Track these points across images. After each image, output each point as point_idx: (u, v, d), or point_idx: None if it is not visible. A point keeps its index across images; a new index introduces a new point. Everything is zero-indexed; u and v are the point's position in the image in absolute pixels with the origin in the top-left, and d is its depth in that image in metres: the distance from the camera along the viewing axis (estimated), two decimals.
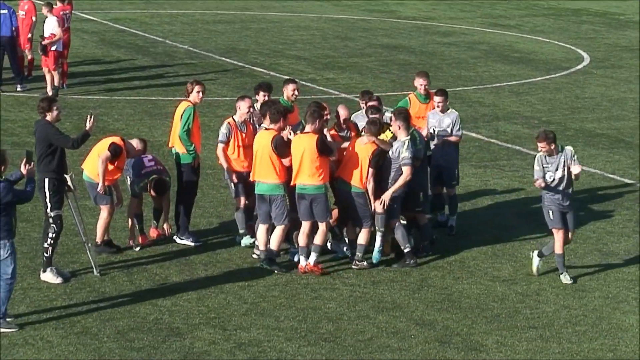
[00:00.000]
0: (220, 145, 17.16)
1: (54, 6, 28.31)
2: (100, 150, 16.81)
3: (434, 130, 18.27)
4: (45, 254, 15.89)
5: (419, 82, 18.98)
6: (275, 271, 16.32)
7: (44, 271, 15.90)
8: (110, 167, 16.71)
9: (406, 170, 16.40)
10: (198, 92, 17.55)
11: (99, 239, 16.98)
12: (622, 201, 19.84)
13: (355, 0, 48.09)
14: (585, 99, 28.72)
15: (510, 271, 16.45)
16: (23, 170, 14.29)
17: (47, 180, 15.82)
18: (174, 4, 45.95)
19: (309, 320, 14.50)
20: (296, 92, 18.35)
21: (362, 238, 16.67)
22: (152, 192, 17.45)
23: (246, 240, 17.49)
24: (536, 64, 33.39)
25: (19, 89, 27.97)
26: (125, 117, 25.60)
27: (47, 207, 15.93)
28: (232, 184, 17.30)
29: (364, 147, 16.38)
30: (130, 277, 16.02)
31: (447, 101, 18.81)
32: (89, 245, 16.36)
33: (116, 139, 17.03)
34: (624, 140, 24.38)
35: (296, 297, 15.41)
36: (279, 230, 16.28)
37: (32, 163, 14.42)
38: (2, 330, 14.11)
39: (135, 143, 17.28)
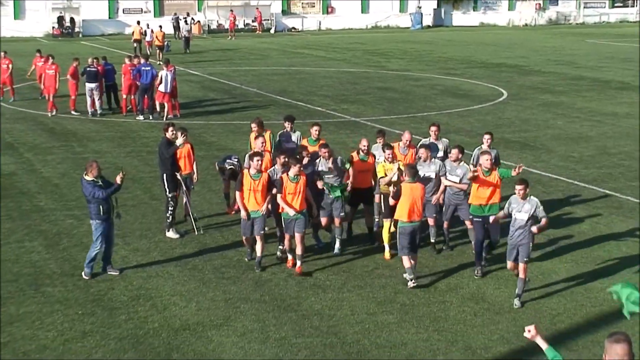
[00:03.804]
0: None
1: (168, 64, 30.14)
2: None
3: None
4: (168, 220, 16.83)
5: (484, 159, 15.14)
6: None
7: (168, 230, 16.87)
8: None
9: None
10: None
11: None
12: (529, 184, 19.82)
13: (360, 59, 50.97)
14: (504, 119, 30.50)
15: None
16: (118, 179, 14.55)
17: (165, 174, 16.76)
18: (247, 63, 48.76)
19: None
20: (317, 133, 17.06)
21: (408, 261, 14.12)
22: (226, 176, 17.95)
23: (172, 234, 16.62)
24: (473, 98, 35.30)
25: (140, 118, 29.92)
26: (217, 134, 27.39)
27: (166, 191, 16.84)
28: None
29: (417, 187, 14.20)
30: (222, 233, 17.18)
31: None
32: (195, 215, 17.19)
33: None
34: (529, 144, 25.95)
35: None
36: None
37: (121, 175, 14.58)
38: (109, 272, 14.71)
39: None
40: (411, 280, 13.90)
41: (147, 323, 12.75)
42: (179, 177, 16.81)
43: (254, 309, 13.27)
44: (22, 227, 17.60)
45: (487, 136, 16.67)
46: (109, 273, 14.75)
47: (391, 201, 14.57)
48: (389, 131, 25.95)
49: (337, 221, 15.62)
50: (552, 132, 28.11)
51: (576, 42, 62.59)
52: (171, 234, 16.85)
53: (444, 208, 15.85)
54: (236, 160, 18.02)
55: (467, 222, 15.45)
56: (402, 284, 14.30)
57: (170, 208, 16.77)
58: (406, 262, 13.91)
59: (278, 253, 15.50)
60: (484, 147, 16.44)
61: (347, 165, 15.90)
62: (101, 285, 14.29)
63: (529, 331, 7.36)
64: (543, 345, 7.26)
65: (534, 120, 30.31)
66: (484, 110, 32.55)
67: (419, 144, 16.61)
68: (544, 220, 13.19)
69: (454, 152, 15.65)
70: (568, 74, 43.53)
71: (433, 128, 17.16)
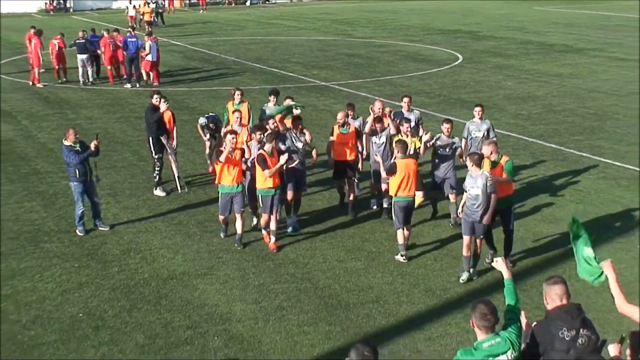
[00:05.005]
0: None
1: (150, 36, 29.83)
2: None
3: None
4: (155, 179, 16.77)
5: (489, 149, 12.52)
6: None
7: (155, 189, 16.82)
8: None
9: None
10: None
11: None
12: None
13: (329, 28, 50.44)
14: (460, 81, 30.39)
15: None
16: (92, 146, 14.22)
17: (151, 137, 16.59)
18: (225, 34, 48.03)
19: None
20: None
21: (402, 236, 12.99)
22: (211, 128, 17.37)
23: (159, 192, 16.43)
24: (432, 62, 35.16)
25: (128, 86, 29.81)
26: (199, 100, 27.14)
27: (152, 153, 16.70)
28: None
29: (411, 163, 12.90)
30: (205, 191, 16.97)
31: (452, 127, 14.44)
32: (179, 174, 17.03)
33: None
34: (483, 104, 23.56)
35: None
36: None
37: (95, 142, 14.25)
38: (100, 228, 14.55)
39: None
40: (402, 256, 12.90)
41: (138, 274, 12.78)
42: (163, 140, 16.66)
43: (235, 259, 13.28)
44: (21, 188, 17.55)
45: (477, 108, 14.87)
46: (100, 229, 14.69)
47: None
48: (355, 94, 25.85)
49: (289, 194, 14.35)
50: (503, 92, 28.18)
51: (525, 9, 62.49)
52: (158, 192, 16.85)
53: (436, 184, 14.34)
54: (213, 115, 17.73)
55: (451, 196, 14.09)
56: (369, 233, 14.38)
57: (156, 168, 16.70)
58: (400, 237, 12.82)
59: (253, 223, 14.63)
60: (476, 119, 14.97)
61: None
62: (95, 241, 14.27)
63: (496, 261, 7.18)
64: (506, 274, 7.04)
65: (487, 81, 30.36)
66: (441, 73, 32.51)
67: (392, 113, 15.08)
68: (493, 197, 11.85)
69: (447, 128, 14.13)
70: (517, 38, 43.51)
71: (405, 99, 15.59)
